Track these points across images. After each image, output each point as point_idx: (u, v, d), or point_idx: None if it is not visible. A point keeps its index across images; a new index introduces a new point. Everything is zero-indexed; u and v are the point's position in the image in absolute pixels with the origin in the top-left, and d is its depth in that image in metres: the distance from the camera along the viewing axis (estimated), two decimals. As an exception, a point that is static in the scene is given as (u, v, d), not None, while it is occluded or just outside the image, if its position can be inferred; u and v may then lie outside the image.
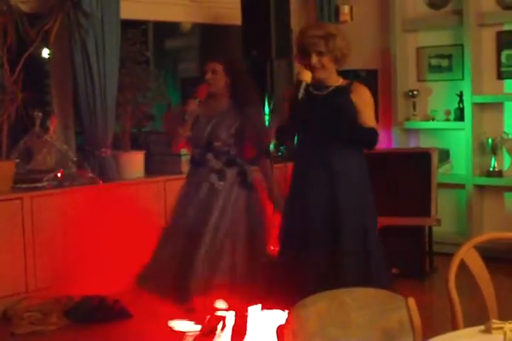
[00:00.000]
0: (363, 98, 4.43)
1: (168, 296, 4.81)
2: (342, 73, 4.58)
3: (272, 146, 6.83)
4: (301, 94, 4.30)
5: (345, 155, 4.41)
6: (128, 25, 6.47)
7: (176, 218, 4.95)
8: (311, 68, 4.39)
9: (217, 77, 4.80)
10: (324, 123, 4.37)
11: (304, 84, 4.32)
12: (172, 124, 4.93)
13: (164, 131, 5.06)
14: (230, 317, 4.99)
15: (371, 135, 4.41)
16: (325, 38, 4.38)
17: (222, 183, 4.83)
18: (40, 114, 6.01)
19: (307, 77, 4.35)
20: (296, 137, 4.62)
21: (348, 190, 4.38)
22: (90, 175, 6.07)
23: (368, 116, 4.41)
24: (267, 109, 6.68)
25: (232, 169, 4.85)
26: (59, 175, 5.93)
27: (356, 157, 4.46)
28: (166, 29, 8.05)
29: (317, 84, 4.42)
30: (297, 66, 4.93)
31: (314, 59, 4.39)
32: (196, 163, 4.93)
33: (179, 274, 4.77)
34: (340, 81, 4.50)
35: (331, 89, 4.46)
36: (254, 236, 4.82)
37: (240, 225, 4.81)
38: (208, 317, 4.97)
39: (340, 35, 4.45)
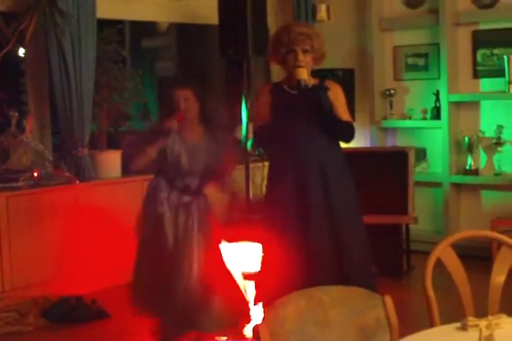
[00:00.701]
0: (338, 95, 4.50)
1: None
2: (319, 72, 4.60)
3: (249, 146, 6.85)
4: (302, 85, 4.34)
5: (332, 152, 4.46)
6: (104, 24, 6.45)
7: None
8: (297, 66, 4.39)
9: (191, 104, 4.70)
10: (307, 120, 4.39)
11: (303, 83, 4.34)
12: (141, 141, 4.85)
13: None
14: None
15: (349, 128, 4.49)
16: (310, 37, 4.40)
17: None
18: (16, 114, 5.97)
19: (304, 74, 4.37)
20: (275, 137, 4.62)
21: (338, 187, 4.42)
22: (67, 174, 6.04)
23: (344, 111, 4.50)
24: (244, 108, 6.67)
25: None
26: (35, 174, 5.89)
27: (340, 153, 4.54)
28: (143, 28, 8.03)
29: (293, 83, 4.42)
30: (273, 65, 4.92)
31: (301, 56, 4.40)
32: (191, 192, 4.77)
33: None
34: (314, 79, 4.53)
35: (308, 87, 4.47)
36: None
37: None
38: None
39: (321, 36, 4.51)
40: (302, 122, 4.42)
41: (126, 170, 6.47)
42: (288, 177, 4.46)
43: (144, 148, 4.69)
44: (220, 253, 4.84)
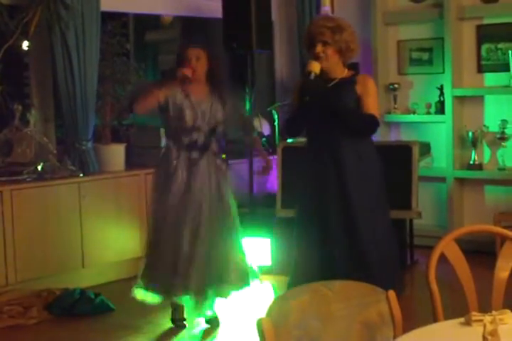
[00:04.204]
0: (366, 88, 4.48)
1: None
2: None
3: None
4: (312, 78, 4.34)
5: (355, 146, 4.44)
6: (108, 17, 6.44)
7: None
8: (316, 58, 4.41)
9: (201, 64, 4.85)
10: (327, 115, 4.39)
11: (312, 75, 4.34)
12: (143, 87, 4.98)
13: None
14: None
15: (367, 121, 4.47)
16: (332, 29, 4.41)
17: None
18: (20, 107, 5.97)
19: (316, 68, 4.36)
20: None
21: (357, 183, 4.41)
22: (71, 167, 6.04)
23: (369, 104, 4.47)
24: (247, 101, 6.67)
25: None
26: (39, 167, 5.90)
27: (365, 148, 4.52)
28: (147, 21, 8.02)
29: (324, 76, 4.43)
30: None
31: (319, 48, 4.41)
32: (198, 148, 4.87)
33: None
34: (345, 73, 4.52)
35: (335, 81, 4.47)
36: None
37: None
38: None
39: (350, 29, 4.50)
40: (323, 117, 4.44)
41: (130, 163, 6.50)
42: (310, 169, 4.54)
43: (152, 89, 4.81)
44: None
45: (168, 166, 4.83)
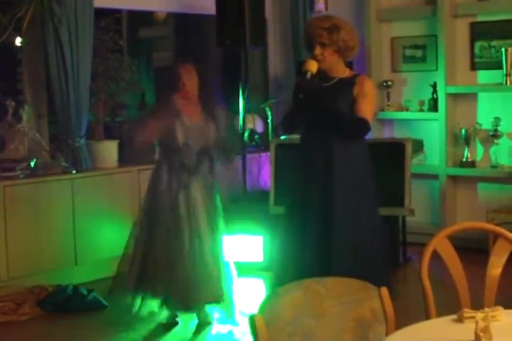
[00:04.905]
0: (363, 90, 4.41)
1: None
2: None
3: (246, 138, 6.84)
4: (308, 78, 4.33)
5: (343, 145, 4.42)
6: (101, 13, 6.43)
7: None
8: (315, 59, 4.40)
9: (193, 83, 4.86)
10: (319, 115, 4.39)
11: (309, 74, 4.33)
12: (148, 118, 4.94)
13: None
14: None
15: (357, 125, 4.42)
16: (329, 30, 4.38)
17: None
18: (13, 103, 5.96)
19: (312, 67, 4.35)
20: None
21: (344, 180, 4.40)
22: (63, 164, 6.03)
23: (362, 107, 4.40)
24: (241, 99, 6.66)
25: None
26: (32, 164, 5.89)
27: (356, 147, 4.48)
28: (140, 18, 8.01)
29: (323, 75, 4.43)
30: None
31: (317, 50, 4.39)
32: (188, 169, 4.87)
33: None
34: (346, 73, 4.51)
35: (334, 81, 4.46)
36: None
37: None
38: None
39: (347, 28, 4.45)
40: (315, 115, 4.43)
41: (123, 160, 6.49)
42: (300, 162, 4.55)
43: (149, 123, 4.80)
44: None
45: (156, 189, 4.87)
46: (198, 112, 4.88)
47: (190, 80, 4.81)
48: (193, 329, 4.99)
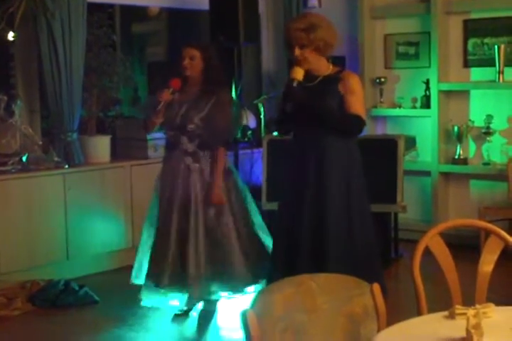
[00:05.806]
0: (349, 86, 4.40)
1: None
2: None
3: (239, 133, 6.84)
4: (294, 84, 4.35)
5: (335, 143, 4.41)
6: (94, 8, 6.41)
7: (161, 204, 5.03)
8: (296, 61, 4.40)
9: (195, 63, 4.91)
10: (311, 114, 4.38)
11: (295, 83, 4.32)
12: (147, 112, 5.04)
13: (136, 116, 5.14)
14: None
15: (352, 123, 4.41)
16: (306, 30, 4.37)
17: (197, 165, 4.93)
18: (5, 98, 5.94)
19: (298, 74, 4.35)
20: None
21: (335, 177, 4.40)
22: (56, 159, 6.02)
23: (352, 104, 4.39)
24: (234, 95, 6.66)
25: (205, 152, 4.93)
26: (24, 158, 5.87)
27: (345, 145, 4.46)
28: (133, 13, 7.99)
29: (307, 74, 4.41)
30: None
31: (297, 51, 4.39)
32: (171, 146, 5.01)
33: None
34: (329, 69, 4.50)
35: (318, 79, 4.46)
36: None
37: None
38: None
39: (324, 24, 4.44)
40: (305, 114, 4.43)
41: (116, 155, 6.48)
42: (292, 166, 4.55)
43: (149, 117, 5.00)
44: None
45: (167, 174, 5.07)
46: (195, 92, 4.94)
47: (191, 60, 4.88)
48: (188, 325, 5.01)
